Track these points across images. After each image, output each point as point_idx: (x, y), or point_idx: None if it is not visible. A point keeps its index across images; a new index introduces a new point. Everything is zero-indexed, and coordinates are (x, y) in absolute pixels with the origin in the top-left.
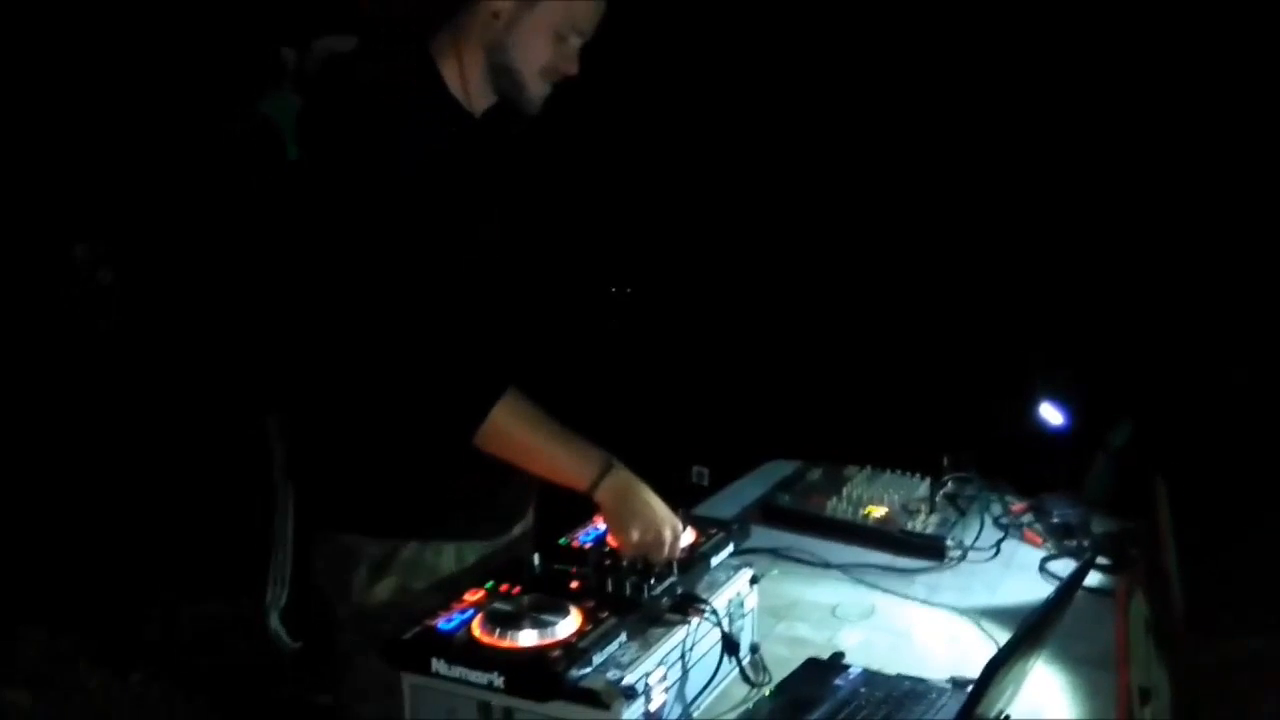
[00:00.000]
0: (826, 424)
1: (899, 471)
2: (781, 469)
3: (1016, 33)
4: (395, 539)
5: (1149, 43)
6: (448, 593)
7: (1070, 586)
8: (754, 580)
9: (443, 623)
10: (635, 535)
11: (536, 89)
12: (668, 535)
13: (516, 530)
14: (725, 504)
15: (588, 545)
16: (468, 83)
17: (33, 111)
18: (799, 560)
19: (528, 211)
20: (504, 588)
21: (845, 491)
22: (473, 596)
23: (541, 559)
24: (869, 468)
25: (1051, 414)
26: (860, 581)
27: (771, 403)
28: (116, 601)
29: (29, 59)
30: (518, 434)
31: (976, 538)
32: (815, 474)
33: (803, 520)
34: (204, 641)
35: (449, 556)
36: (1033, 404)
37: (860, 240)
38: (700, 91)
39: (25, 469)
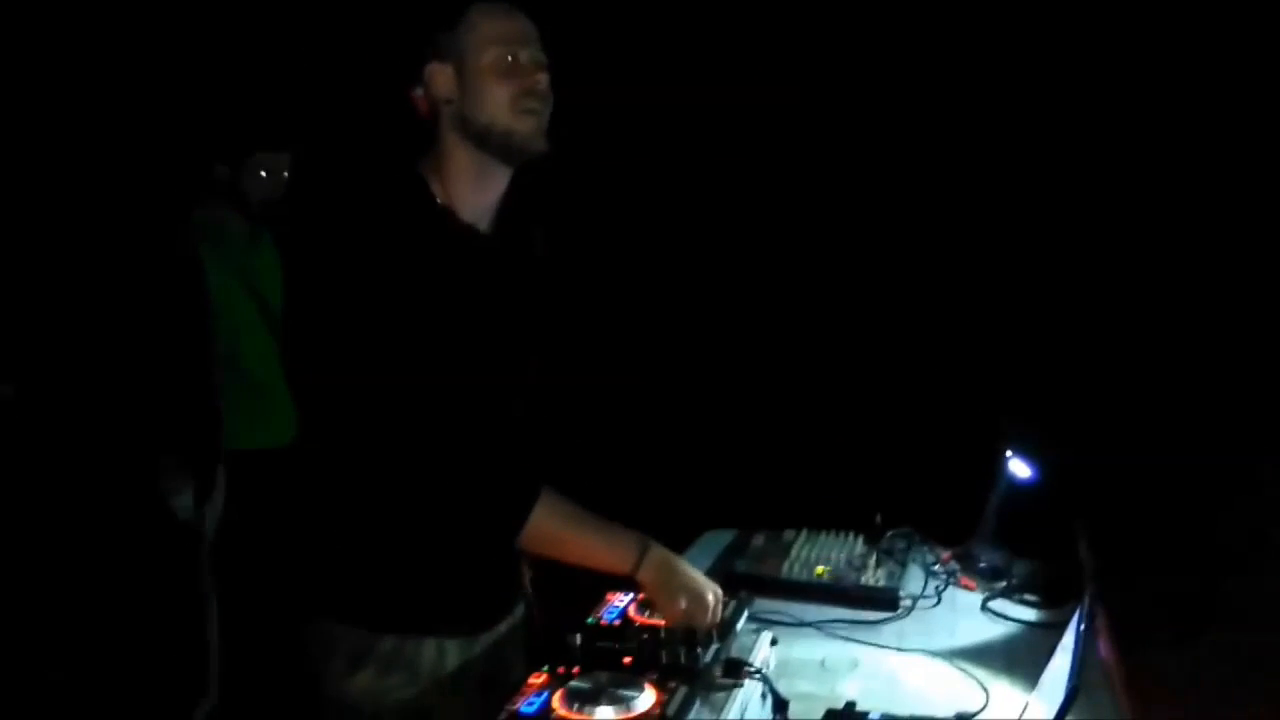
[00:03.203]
0: (739, 489)
1: (832, 531)
2: (721, 538)
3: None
4: (374, 631)
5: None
6: (426, 687)
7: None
8: (774, 642)
9: (524, 706)
10: (682, 605)
11: (520, 124)
12: (711, 601)
13: (503, 627)
14: None
15: (616, 622)
16: (459, 187)
17: None
18: (777, 622)
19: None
20: (561, 670)
21: (793, 554)
22: (536, 680)
23: (583, 639)
24: (804, 530)
25: (1020, 468)
26: (835, 636)
27: (681, 472)
28: None
29: None
30: (555, 531)
31: (924, 587)
32: (759, 540)
33: (762, 584)
34: None
35: (429, 651)
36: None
37: (754, 310)
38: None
39: None
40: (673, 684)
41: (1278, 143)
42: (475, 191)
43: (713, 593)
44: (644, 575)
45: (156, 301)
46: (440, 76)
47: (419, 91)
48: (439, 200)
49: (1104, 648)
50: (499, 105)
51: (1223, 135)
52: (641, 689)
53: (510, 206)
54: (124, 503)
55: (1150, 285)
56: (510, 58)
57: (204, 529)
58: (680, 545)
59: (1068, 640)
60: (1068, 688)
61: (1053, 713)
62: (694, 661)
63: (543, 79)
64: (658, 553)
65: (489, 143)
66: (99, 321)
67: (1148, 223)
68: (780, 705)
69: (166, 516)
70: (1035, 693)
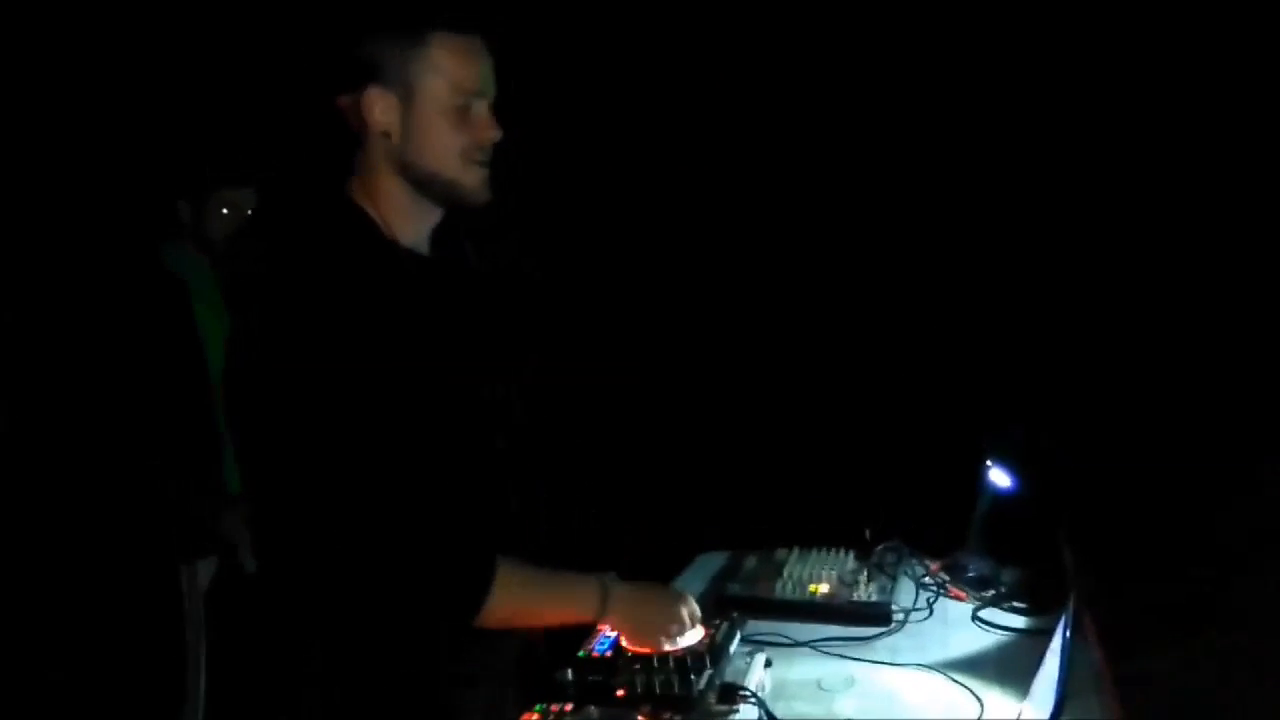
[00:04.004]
0: (731, 511)
1: (823, 549)
2: (714, 561)
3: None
4: None
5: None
6: None
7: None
8: (768, 664)
9: None
10: (660, 638)
11: (468, 177)
12: (687, 618)
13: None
14: None
15: (608, 653)
16: (394, 218)
17: None
18: (770, 643)
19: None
20: (554, 708)
21: (785, 574)
22: None
23: (574, 674)
24: (796, 549)
25: (1000, 477)
26: (830, 654)
27: (674, 496)
28: None
29: None
30: (513, 604)
31: (915, 600)
32: (751, 561)
33: (756, 605)
34: None
35: None
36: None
37: (737, 335)
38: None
39: None
40: (667, 715)
41: (1257, 146)
42: (412, 222)
43: (685, 609)
44: (611, 620)
45: (150, 330)
46: (381, 104)
47: (348, 101)
48: (381, 229)
49: (1093, 652)
50: (447, 155)
51: (1202, 139)
52: None
53: (443, 226)
54: (120, 537)
55: (1130, 293)
56: (469, 101)
57: (185, 581)
58: (674, 570)
59: (1055, 646)
60: (1056, 697)
61: None
62: (688, 690)
63: (497, 134)
64: (619, 591)
65: (430, 190)
66: (91, 350)
67: (1131, 227)
68: None
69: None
70: (1028, 700)
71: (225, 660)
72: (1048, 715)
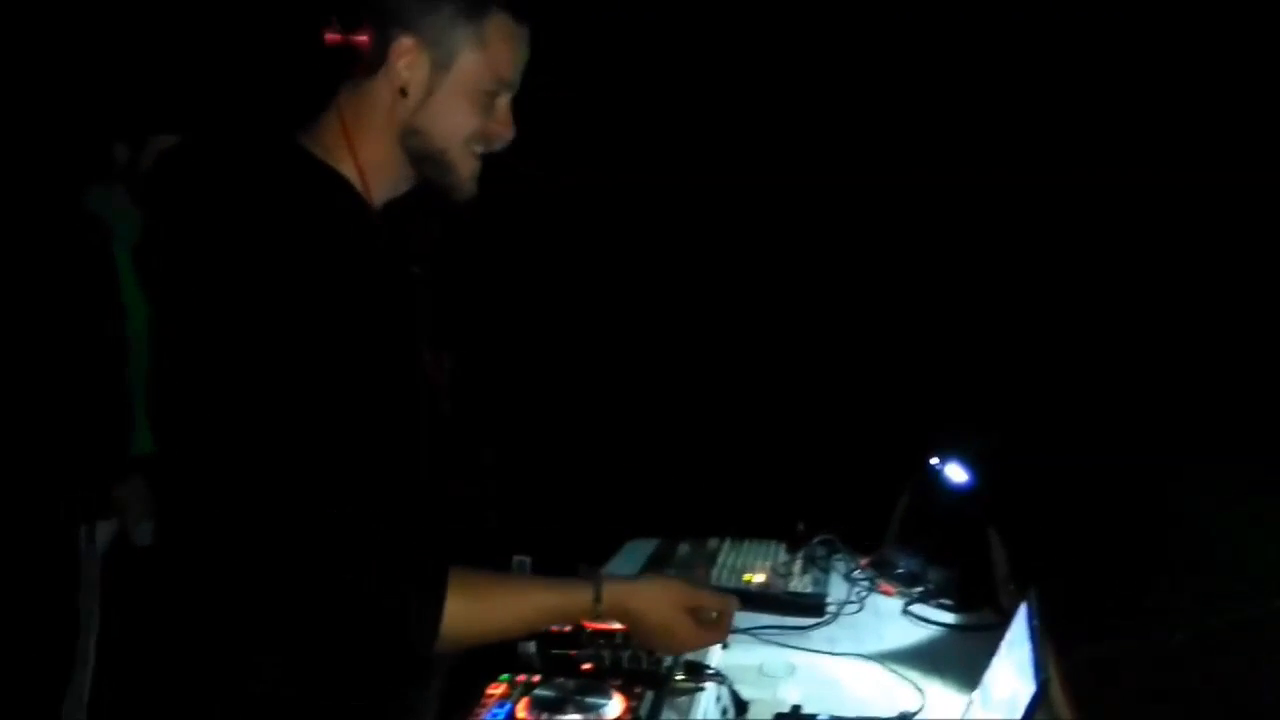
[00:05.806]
0: (655, 498)
1: (753, 540)
2: (644, 547)
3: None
4: None
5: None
6: None
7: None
8: (724, 646)
9: (487, 717)
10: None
11: (467, 166)
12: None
13: None
14: None
15: (568, 628)
16: (374, 177)
17: None
18: None
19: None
20: (520, 679)
21: (720, 561)
22: (495, 690)
23: (538, 647)
24: (727, 539)
25: (957, 473)
26: (769, 642)
27: (600, 483)
28: None
29: None
30: (479, 624)
31: (849, 593)
32: (684, 549)
33: None
34: None
35: None
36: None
37: (672, 321)
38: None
39: None
40: (638, 689)
41: (1194, 147)
42: (388, 187)
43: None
44: (613, 617)
45: (62, 293)
46: (411, 58)
47: (369, 41)
48: (358, 188)
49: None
50: (459, 138)
51: (1142, 140)
52: (609, 695)
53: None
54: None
55: (1056, 293)
56: (499, 90)
57: (83, 544)
58: (603, 555)
59: (1013, 637)
60: (1037, 680)
61: (1005, 710)
62: (655, 665)
63: (510, 134)
64: (613, 594)
65: (423, 163)
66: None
67: (1083, 224)
68: (741, 706)
69: (50, 529)
70: (978, 691)
71: (118, 625)
72: (999, 705)
